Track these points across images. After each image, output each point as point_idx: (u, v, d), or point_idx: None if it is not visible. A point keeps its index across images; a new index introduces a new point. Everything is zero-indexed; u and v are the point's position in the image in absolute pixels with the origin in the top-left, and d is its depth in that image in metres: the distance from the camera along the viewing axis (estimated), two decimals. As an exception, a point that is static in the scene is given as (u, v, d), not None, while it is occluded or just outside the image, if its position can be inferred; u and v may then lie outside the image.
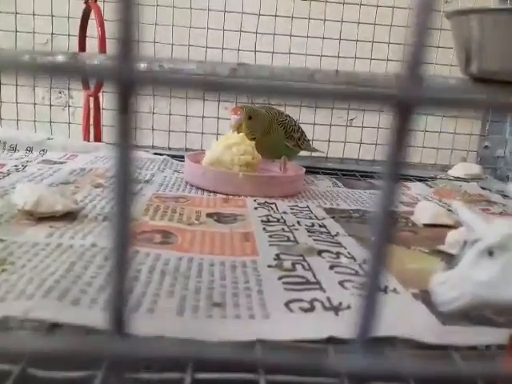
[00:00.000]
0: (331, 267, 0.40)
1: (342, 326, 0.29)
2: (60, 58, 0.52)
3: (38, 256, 0.36)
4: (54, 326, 0.27)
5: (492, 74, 0.53)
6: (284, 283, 0.36)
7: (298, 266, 0.39)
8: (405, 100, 0.09)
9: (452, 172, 0.94)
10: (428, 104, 0.09)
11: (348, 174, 0.90)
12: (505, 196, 0.79)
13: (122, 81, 0.09)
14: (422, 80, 0.09)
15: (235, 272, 0.37)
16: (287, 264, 0.40)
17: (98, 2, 0.84)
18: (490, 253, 0.23)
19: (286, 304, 0.32)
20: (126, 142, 0.10)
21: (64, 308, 0.28)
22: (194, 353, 0.11)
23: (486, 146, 1.01)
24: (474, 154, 1.04)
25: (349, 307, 0.32)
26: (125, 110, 0.09)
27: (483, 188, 0.84)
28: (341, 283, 0.36)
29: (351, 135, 1.01)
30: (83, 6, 0.88)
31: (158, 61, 0.53)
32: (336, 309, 0.32)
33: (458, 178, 0.92)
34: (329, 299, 0.33)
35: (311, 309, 0.31)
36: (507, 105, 0.10)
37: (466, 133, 1.01)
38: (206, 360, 0.11)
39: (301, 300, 0.33)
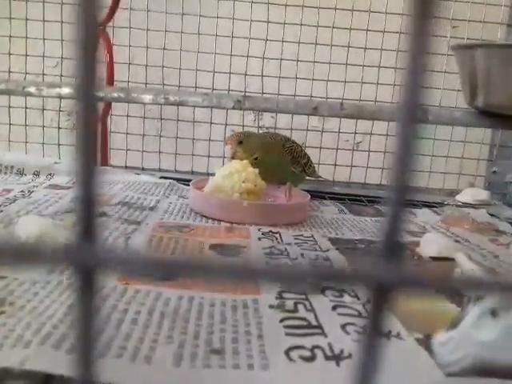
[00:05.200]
0: (334, 308, 0.39)
1: (343, 378, 0.28)
2: (66, 90, 0.53)
3: (37, 296, 0.36)
4: (49, 377, 0.26)
5: (498, 107, 0.52)
6: (285, 327, 0.35)
7: (300, 307, 0.39)
8: (382, 282, 0.09)
9: (460, 197, 0.93)
10: (406, 286, 0.09)
11: (354, 199, 0.90)
12: (513, 224, 0.77)
13: (84, 265, 0.09)
14: (400, 260, 0.09)
15: (236, 314, 0.37)
16: (289, 304, 0.39)
17: (106, 30, 0.85)
18: (493, 313, 0.23)
19: (287, 352, 0.31)
20: (87, 331, 0.10)
21: (60, 358, 0.28)
22: None
23: (495, 171, 1.00)
24: (482, 178, 1.03)
25: (350, 356, 0.31)
26: (86, 294, 0.09)
27: (491, 215, 0.83)
28: (343, 327, 0.36)
29: (358, 159, 1.00)
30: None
31: (164, 92, 0.53)
32: (337, 358, 0.31)
33: (465, 204, 0.91)
34: (330, 346, 0.33)
35: (312, 358, 0.31)
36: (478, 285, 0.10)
37: (474, 157, 1.00)
38: None
39: (302, 347, 0.32)
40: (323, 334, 0.34)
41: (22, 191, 0.70)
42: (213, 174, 0.71)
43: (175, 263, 0.09)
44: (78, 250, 0.08)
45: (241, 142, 0.73)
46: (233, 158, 0.72)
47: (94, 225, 0.09)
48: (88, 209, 0.09)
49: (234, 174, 0.67)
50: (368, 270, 0.09)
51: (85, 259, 0.08)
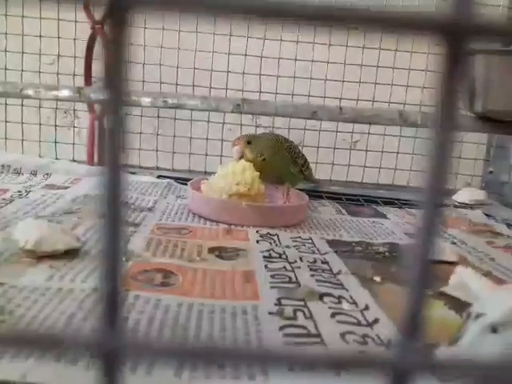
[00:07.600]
0: (333, 315, 0.39)
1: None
2: (65, 93, 0.52)
3: (37, 303, 0.36)
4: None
5: (496, 113, 0.53)
6: (285, 335, 0.35)
7: (299, 314, 0.39)
8: (398, 368, 0.09)
9: (457, 197, 0.93)
10: (423, 371, 0.09)
11: (352, 198, 0.90)
12: (510, 226, 0.78)
13: (105, 354, 0.09)
14: (420, 340, 0.09)
15: (235, 321, 0.37)
16: (288, 311, 0.39)
17: (105, 28, 0.84)
18: (494, 329, 0.23)
19: (286, 362, 0.31)
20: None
21: (62, 369, 0.28)
22: None
23: (491, 171, 1.00)
24: (479, 178, 1.03)
25: (350, 366, 0.31)
26: (109, 380, 0.09)
27: (488, 215, 0.84)
28: (342, 336, 0.36)
29: (355, 158, 1.00)
30: (88, 29, 0.89)
31: (162, 95, 0.53)
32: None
33: (462, 204, 0.91)
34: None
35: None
36: None
37: (471, 157, 1.00)
38: None
39: (301, 357, 0.32)
40: (322, 342, 0.35)
41: (19, 191, 0.70)
42: (213, 173, 0.71)
43: (197, 350, 0.09)
44: (100, 337, 0.08)
45: (249, 143, 0.72)
46: (240, 158, 0.71)
47: (117, 308, 0.09)
48: (112, 295, 0.08)
49: (228, 176, 0.67)
50: (384, 355, 0.09)
51: (108, 347, 0.08)
